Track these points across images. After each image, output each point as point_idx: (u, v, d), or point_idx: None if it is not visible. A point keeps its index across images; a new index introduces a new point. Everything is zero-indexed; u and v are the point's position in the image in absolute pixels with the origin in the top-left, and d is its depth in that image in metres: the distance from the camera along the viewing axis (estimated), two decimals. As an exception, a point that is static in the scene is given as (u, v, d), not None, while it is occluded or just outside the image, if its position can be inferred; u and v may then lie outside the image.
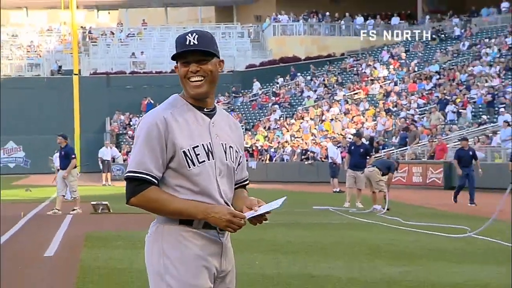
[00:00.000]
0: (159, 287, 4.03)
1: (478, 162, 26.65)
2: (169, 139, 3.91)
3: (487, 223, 16.39)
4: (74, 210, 22.99)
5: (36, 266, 13.68)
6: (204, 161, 3.93)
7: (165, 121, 3.93)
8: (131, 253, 13.94)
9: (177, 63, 4.04)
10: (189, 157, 3.91)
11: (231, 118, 4.26)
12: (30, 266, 13.60)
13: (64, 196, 23.28)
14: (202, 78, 3.88)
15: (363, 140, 31.04)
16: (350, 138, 37.59)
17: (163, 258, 4.01)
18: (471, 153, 26.65)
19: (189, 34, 4.01)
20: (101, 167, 44.46)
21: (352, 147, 25.53)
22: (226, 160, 4.02)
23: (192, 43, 3.91)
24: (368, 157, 25.50)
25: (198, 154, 3.92)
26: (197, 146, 3.94)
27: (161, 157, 3.92)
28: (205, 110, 4.03)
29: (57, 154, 27.55)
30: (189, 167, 3.91)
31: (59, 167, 23.92)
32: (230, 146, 4.09)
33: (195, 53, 3.92)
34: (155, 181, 3.94)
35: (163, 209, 3.95)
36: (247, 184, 4.31)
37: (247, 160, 28.11)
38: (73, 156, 23.85)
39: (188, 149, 3.93)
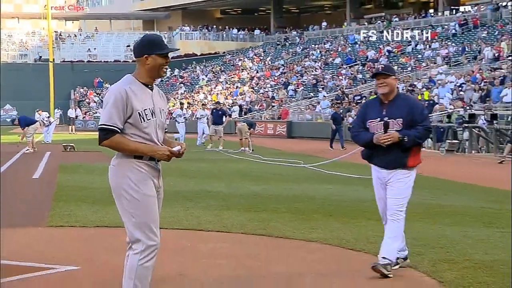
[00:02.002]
0: (124, 201, 4.64)
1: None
2: (129, 104, 4.54)
3: (325, 162, 18.11)
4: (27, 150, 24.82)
5: (27, 184, 14.86)
6: (150, 118, 4.61)
7: (126, 92, 4.54)
8: (90, 177, 15.39)
9: (150, 55, 4.65)
10: (141, 116, 4.58)
11: (160, 92, 4.90)
12: (24, 184, 14.82)
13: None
14: (166, 69, 4.71)
15: (222, 106, 31.99)
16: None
17: (126, 179, 4.59)
18: (342, 114, 29.47)
19: (162, 39, 4.84)
20: (66, 121, 49.96)
21: (213, 111, 28.23)
22: (162, 118, 4.73)
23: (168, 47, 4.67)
24: (224, 117, 27.75)
25: (146, 114, 4.61)
26: (146, 109, 4.61)
27: (123, 115, 4.54)
28: (149, 86, 4.71)
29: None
30: (141, 122, 4.58)
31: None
32: (162, 109, 4.77)
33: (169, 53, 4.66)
34: (119, 130, 4.56)
35: (125, 148, 4.57)
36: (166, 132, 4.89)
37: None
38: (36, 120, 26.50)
39: (140, 111, 4.59)
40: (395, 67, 44.63)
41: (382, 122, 6.23)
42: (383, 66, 6.71)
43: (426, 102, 29.55)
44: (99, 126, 4.63)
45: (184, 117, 34.16)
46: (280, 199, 11.58)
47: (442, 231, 8.26)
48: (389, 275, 6.08)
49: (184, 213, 9.89)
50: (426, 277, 6.14)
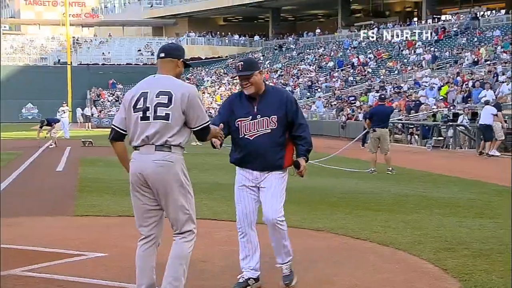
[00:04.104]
0: (186, 193, 4.44)
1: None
2: None
3: (325, 158, 17.49)
4: (51, 145, 24.66)
5: (52, 176, 14.84)
6: None
7: None
8: (109, 170, 15.21)
9: (182, 61, 4.53)
10: None
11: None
12: (48, 176, 14.81)
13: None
14: None
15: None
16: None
17: (184, 175, 4.41)
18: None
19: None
20: (84, 119, 50.79)
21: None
22: None
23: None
24: None
25: None
26: None
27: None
28: None
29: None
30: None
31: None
32: None
33: None
34: None
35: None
36: None
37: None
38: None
39: None
40: (383, 70, 44.73)
41: (256, 121, 5.14)
42: (242, 64, 5.21)
43: (413, 102, 29.34)
44: (205, 125, 4.47)
45: None
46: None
47: (440, 221, 8.16)
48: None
49: (199, 204, 9.70)
50: (430, 264, 6.00)
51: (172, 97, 4.31)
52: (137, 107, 4.40)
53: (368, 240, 7.17)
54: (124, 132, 4.50)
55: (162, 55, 4.51)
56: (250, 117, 5.09)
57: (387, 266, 6.01)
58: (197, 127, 4.38)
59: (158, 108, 4.32)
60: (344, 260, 6.28)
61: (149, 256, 4.51)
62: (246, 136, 5.10)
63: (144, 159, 4.37)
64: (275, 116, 5.09)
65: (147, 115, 4.35)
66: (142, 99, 4.39)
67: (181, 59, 4.52)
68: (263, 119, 5.10)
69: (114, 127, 4.54)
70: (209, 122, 4.49)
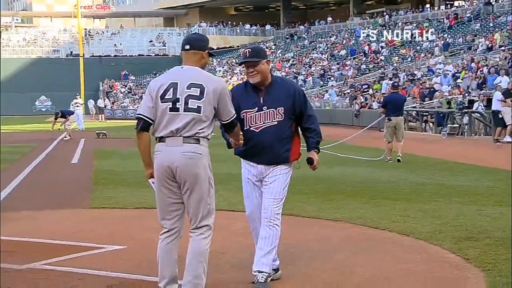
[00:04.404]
0: (209, 187, 4.39)
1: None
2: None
3: (333, 144, 17.43)
4: (66, 137, 24.73)
5: (67, 168, 14.80)
6: None
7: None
8: (124, 162, 15.25)
9: (207, 52, 4.46)
10: None
11: None
12: (63, 168, 14.72)
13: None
14: None
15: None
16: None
17: (209, 168, 4.37)
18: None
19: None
20: (97, 111, 51.60)
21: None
22: None
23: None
24: None
25: None
26: None
27: None
28: None
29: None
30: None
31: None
32: None
33: None
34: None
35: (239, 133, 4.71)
36: None
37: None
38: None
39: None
40: (396, 58, 44.39)
41: (262, 112, 4.98)
42: (249, 50, 5.03)
43: (427, 90, 29.10)
44: (234, 118, 4.51)
45: None
46: (300, 181, 11.33)
47: (459, 210, 8.07)
48: None
49: (215, 195, 9.65)
50: (451, 254, 5.93)
51: (204, 90, 4.25)
52: (166, 97, 4.32)
53: (387, 229, 7.10)
54: (151, 122, 4.40)
55: (187, 47, 4.43)
56: (256, 108, 4.93)
57: (407, 256, 5.95)
58: (227, 120, 4.38)
59: (190, 100, 4.26)
60: (363, 250, 6.21)
61: (172, 249, 4.47)
62: (251, 128, 4.93)
63: (172, 151, 4.29)
64: (282, 108, 4.93)
65: (177, 106, 4.28)
66: (171, 89, 4.31)
67: (206, 50, 4.46)
68: (269, 111, 4.94)
69: (142, 116, 4.38)
70: (235, 115, 4.49)
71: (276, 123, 4.93)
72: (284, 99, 4.94)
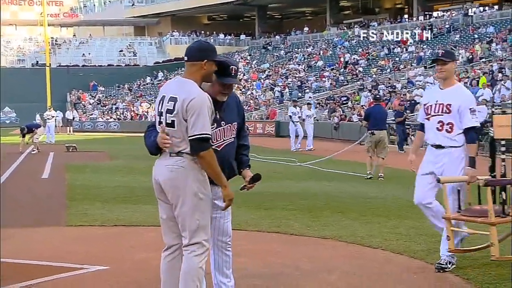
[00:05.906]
0: (196, 201, 4.22)
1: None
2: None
3: (319, 160, 17.66)
4: (34, 150, 24.46)
5: (39, 184, 14.50)
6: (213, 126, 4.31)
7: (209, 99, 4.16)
8: (97, 176, 15.20)
9: (207, 61, 4.22)
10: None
11: None
12: (33, 184, 14.29)
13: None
14: None
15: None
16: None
17: (196, 182, 4.20)
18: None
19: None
20: (64, 123, 49.91)
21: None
22: None
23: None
24: None
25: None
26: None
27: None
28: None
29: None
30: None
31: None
32: None
33: None
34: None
35: (214, 165, 4.21)
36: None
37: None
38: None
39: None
40: (375, 69, 44.65)
41: (221, 128, 4.64)
42: (235, 69, 4.62)
43: (408, 102, 29.28)
44: (198, 136, 4.13)
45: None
46: (285, 197, 11.45)
47: (453, 227, 7.97)
48: None
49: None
50: (450, 273, 5.95)
51: (176, 103, 4.22)
52: (158, 111, 4.41)
53: (380, 248, 7.07)
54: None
55: (186, 58, 4.41)
56: (215, 124, 4.50)
57: (404, 276, 5.93)
58: (191, 136, 4.16)
59: (167, 114, 4.28)
60: (358, 270, 6.16)
61: (174, 268, 4.42)
62: (213, 147, 4.40)
63: (159, 164, 4.38)
64: (236, 123, 4.66)
65: (161, 120, 4.34)
66: (160, 103, 4.38)
67: (206, 59, 4.30)
68: (227, 126, 4.61)
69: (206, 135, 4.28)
70: (206, 136, 4.17)
71: (232, 139, 4.65)
72: (236, 113, 4.69)
